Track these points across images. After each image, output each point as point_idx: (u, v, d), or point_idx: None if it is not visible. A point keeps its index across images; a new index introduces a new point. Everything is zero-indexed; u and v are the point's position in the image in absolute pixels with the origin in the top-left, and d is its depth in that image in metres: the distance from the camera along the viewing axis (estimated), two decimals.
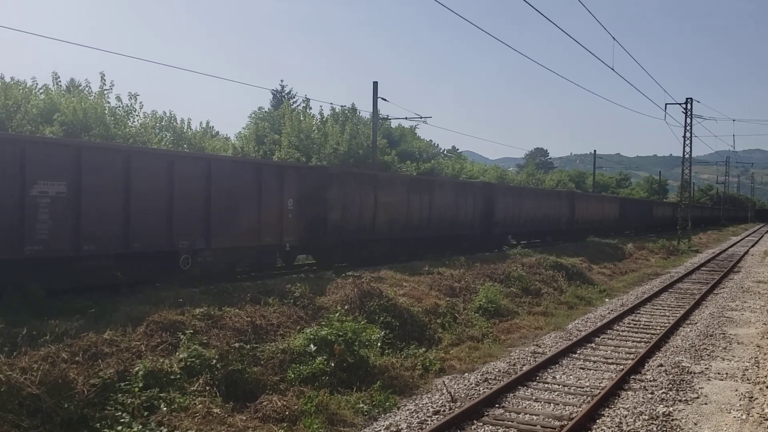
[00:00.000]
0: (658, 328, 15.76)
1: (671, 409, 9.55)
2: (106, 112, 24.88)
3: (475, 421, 8.97)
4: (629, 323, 16.53)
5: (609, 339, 14.61)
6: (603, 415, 9.28)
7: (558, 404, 9.80)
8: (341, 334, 10.63)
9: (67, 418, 7.39)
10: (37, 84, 24.92)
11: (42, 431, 7.10)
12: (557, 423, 8.92)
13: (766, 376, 11.29)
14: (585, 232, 41.14)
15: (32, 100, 23.27)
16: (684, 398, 10.12)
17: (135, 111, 26.77)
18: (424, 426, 8.71)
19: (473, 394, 10.18)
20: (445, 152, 60.43)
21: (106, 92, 25.27)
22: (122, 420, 7.57)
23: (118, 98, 26.19)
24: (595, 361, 12.53)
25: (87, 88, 26.04)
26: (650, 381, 11.06)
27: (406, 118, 34.74)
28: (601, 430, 8.73)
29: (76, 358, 8.52)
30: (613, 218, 49.58)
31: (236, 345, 10.05)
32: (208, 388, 8.69)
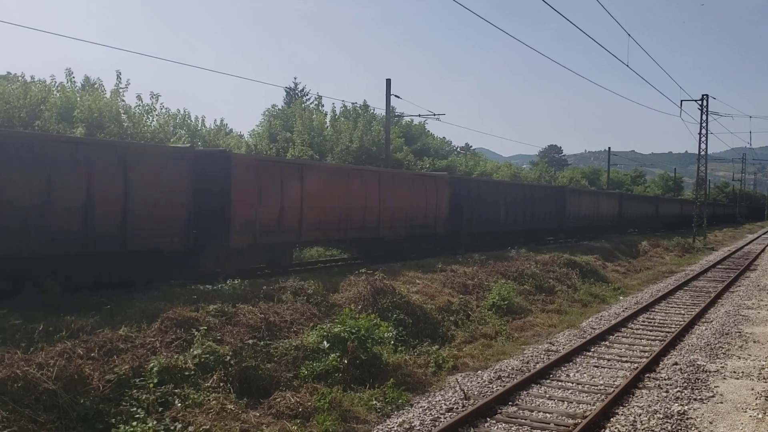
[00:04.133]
0: (673, 326, 15.66)
1: (686, 407, 9.48)
2: (122, 110, 25.04)
3: (488, 419, 8.96)
4: (644, 321, 16.43)
5: (623, 337, 14.53)
6: (617, 414, 9.24)
7: (572, 402, 9.76)
8: (354, 331, 10.65)
9: (82, 413, 7.47)
10: (55, 82, 25.14)
11: (58, 426, 7.17)
12: (571, 421, 8.89)
13: None
14: (576, 232, 37.85)
15: (50, 98, 23.45)
16: (699, 397, 10.05)
17: (155, 111, 26.98)
18: (437, 423, 8.70)
19: (486, 392, 10.16)
20: (458, 149, 60.28)
21: (121, 91, 25.44)
22: (137, 416, 7.63)
23: (139, 97, 26.41)
24: (609, 360, 12.47)
25: (101, 87, 26.21)
26: (665, 379, 10.99)
27: (419, 116, 34.75)
28: (615, 428, 8.69)
29: (92, 354, 8.59)
30: (612, 216, 44.54)
31: (250, 342, 10.10)
32: (221, 384, 8.74)
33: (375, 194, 21.07)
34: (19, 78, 25.48)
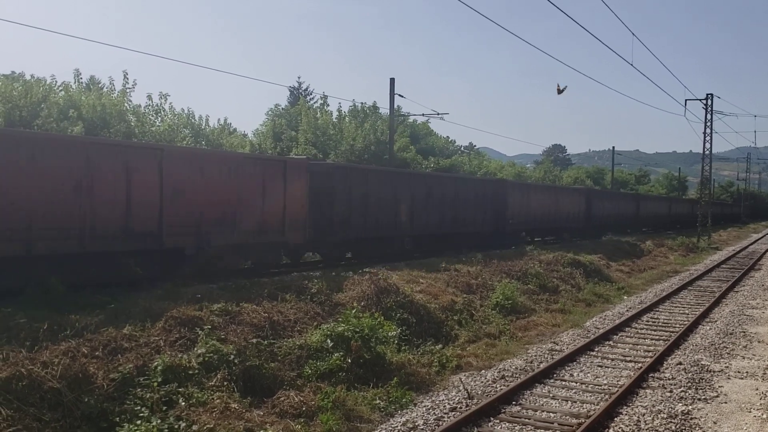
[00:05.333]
0: (678, 325, 15.63)
1: (690, 407, 9.47)
2: (129, 110, 25.10)
3: (492, 419, 8.95)
4: (648, 321, 16.40)
5: (627, 337, 14.51)
6: (621, 414, 9.22)
7: (575, 402, 9.75)
8: (358, 330, 10.66)
9: (87, 412, 7.49)
10: (56, 81, 25.18)
11: (63, 425, 7.20)
12: (575, 421, 8.88)
13: None
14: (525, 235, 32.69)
15: (52, 97, 23.48)
16: (703, 397, 10.03)
17: (164, 111, 27.06)
18: (440, 423, 8.70)
19: (490, 392, 10.16)
20: (462, 149, 60.25)
21: (128, 90, 25.49)
22: (141, 414, 7.65)
23: (149, 97, 26.50)
24: (613, 359, 12.45)
25: (110, 86, 26.27)
26: (669, 379, 10.97)
27: (422, 115, 34.70)
28: (619, 428, 8.67)
29: (96, 353, 8.62)
30: (578, 216, 38.74)
31: (254, 341, 10.13)
32: (225, 383, 8.76)
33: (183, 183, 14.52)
34: (21, 77, 25.52)
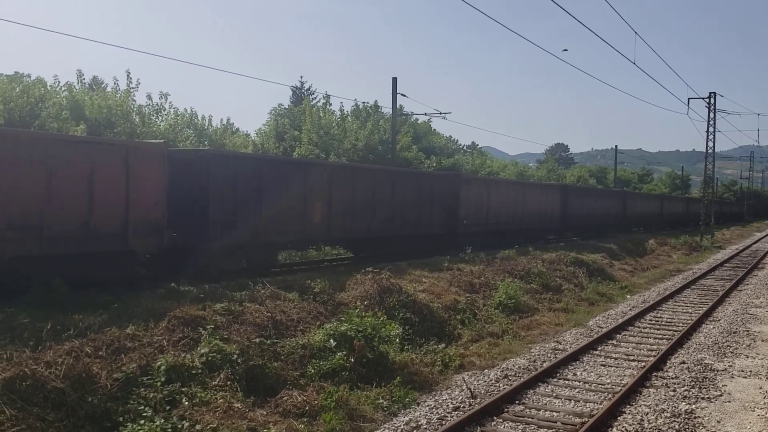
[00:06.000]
0: (681, 325, 15.60)
1: (694, 406, 9.45)
2: (133, 110, 25.16)
3: (494, 418, 8.95)
4: (651, 320, 16.38)
5: (630, 336, 14.49)
6: (624, 413, 9.21)
7: (579, 401, 9.74)
8: (361, 329, 10.66)
9: (90, 411, 7.51)
10: (59, 82, 25.23)
11: (66, 425, 7.21)
12: (578, 420, 8.88)
13: None
14: (485, 238, 26.76)
15: (54, 97, 23.52)
16: (707, 396, 10.02)
17: (164, 110, 27.12)
18: (443, 422, 8.70)
19: (493, 391, 10.15)
20: (464, 148, 60.22)
21: (132, 90, 25.54)
22: (145, 414, 7.66)
23: (149, 96, 26.54)
24: (616, 358, 12.44)
25: (114, 86, 26.32)
26: (672, 378, 10.96)
27: (425, 114, 34.65)
28: (623, 427, 8.66)
29: (100, 353, 8.63)
30: (553, 216, 33.98)
31: (257, 340, 10.13)
32: (229, 383, 8.76)
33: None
34: (24, 77, 25.57)
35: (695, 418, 9.00)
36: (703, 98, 47.66)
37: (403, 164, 33.83)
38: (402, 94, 30.42)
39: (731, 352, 12.92)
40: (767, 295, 20.66)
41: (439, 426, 8.55)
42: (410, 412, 9.16)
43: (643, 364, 11.84)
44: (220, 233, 15.53)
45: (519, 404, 9.57)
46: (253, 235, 16.55)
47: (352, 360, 10.17)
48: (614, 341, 13.86)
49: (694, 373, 11.20)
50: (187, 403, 8.13)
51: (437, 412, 9.11)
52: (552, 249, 25.99)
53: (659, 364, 11.79)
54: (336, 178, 19.58)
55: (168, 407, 8.00)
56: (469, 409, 9.10)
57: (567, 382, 10.81)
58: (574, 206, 36.40)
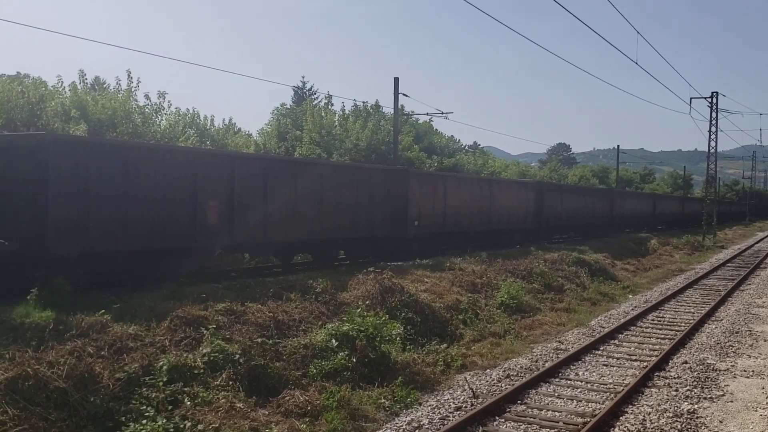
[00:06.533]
0: (683, 324, 15.59)
1: (696, 406, 9.44)
2: (135, 110, 25.14)
3: (497, 418, 8.95)
4: (653, 320, 16.37)
5: (632, 336, 14.48)
6: (626, 413, 9.21)
7: (581, 401, 9.74)
8: (363, 329, 10.66)
9: (93, 411, 7.52)
10: (62, 82, 25.23)
11: (69, 424, 7.22)
12: (580, 420, 8.87)
13: None
14: (443, 242, 24.32)
15: (56, 98, 23.52)
16: (709, 396, 10.00)
17: (163, 109, 27.08)
18: (445, 422, 8.70)
19: (495, 391, 10.15)
20: (466, 148, 60.21)
21: (133, 90, 25.53)
22: (147, 414, 7.68)
23: (147, 96, 26.52)
24: (618, 358, 12.43)
25: (116, 86, 26.30)
26: (675, 378, 10.95)
27: (426, 114, 34.53)
28: (625, 427, 8.66)
29: (102, 353, 8.64)
30: (527, 217, 31.14)
31: (259, 340, 10.14)
32: (231, 382, 8.77)
33: None
34: (26, 77, 25.58)
35: (697, 418, 8.99)
36: (705, 98, 47.58)
37: (406, 164, 33.76)
38: (404, 94, 30.32)
39: (734, 352, 12.90)
40: None
41: (441, 426, 8.55)
42: (412, 412, 9.16)
43: (645, 363, 11.83)
44: (64, 239, 11.75)
45: (521, 404, 9.56)
46: (118, 241, 12.71)
47: (354, 360, 10.18)
48: (616, 341, 13.85)
49: (696, 373, 11.19)
50: (189, 402, 8.14)
51: (439, 412, 9.11)
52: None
53: (661, 363, 11.79)
54: (240, 171, 15.31)
55: (170, 407, 8.01)
56: (471, 409, 9.10)
57: (569, 382, 10.80)
58: (552, 206, 33.18)
